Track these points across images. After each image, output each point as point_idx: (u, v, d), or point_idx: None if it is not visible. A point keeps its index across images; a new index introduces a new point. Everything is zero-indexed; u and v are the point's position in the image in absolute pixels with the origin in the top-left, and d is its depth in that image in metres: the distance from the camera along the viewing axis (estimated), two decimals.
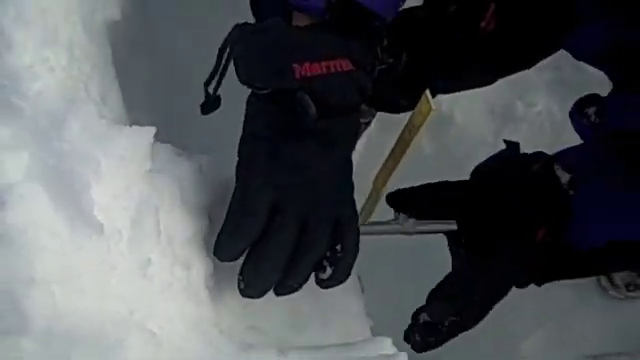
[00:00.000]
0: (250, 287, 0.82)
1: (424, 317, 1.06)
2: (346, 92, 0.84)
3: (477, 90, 1.35)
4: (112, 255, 0.74)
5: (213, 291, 0.84)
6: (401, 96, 1.17)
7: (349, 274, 0.85)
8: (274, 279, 0.82)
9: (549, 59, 1.21)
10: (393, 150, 0.95)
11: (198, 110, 0.89)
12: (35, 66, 0.76)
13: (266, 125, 0.83)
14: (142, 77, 1.16)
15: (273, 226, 0.82)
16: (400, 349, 0.82)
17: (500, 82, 1.30)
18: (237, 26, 0.84)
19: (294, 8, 0.83)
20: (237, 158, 0.87)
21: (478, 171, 1.14)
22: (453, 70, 1.20)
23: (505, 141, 1.16)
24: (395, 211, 1.05)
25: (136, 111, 0.92)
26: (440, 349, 1.63)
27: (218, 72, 0.85)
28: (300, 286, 0.83)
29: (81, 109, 0.75)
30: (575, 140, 1.14)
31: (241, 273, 0.82)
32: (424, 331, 1.06)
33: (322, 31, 0.82)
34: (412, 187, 1.09)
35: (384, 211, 0.98)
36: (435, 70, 1.19)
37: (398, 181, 0.98)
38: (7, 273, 0.70)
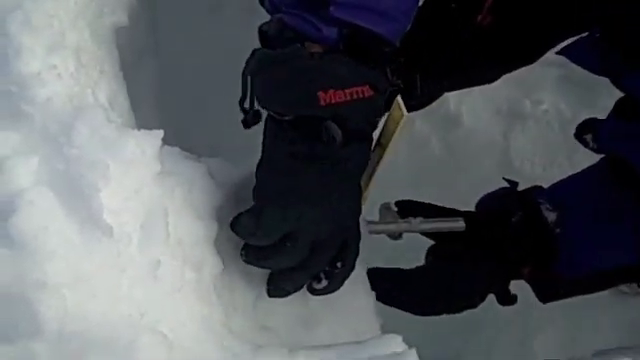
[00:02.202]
0: (249, 262, 0.85)
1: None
2: (369, 118, 0.85)
3: (484, 89, 1.36)
4: (122, 258, 0.74)
5: (223, 292, 0.84)
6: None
7: (342, 285, 0.88)
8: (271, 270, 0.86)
9: (555, 56, 1.21)
10: (371, 157, 0.95)
11: (205, 113, 0.90)
12: (43, 72, 0.77)
13: (286, 152, 0.84)
14: (149, 81, 1.16)
15: (283, 247, 0.84)
16: (410, 346, 0.82)
17: (507, 81, 1.30)
18: (256, 52, 0.84)
19: (307, 39, 0.83)
20: (245, 164, 0.89)
21: (480, 205, 1.20)
22: (458, 66, 1.21)
23: (505, 179, 1.21)
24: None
25: (144, 115, 0.93)
26: (454, 346, 1.63)
27: (247, 93, 0.85)
28: (294, 292, 0.87)
29: (89, 114, 0.76)
30: None
31: (244, 248, 0.85)
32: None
33: (341, 59, 0.83)
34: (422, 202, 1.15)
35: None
36: (441, 67, 1.19)
37: (409, 183, 0.99)
38: (18, 277, 0.71)
